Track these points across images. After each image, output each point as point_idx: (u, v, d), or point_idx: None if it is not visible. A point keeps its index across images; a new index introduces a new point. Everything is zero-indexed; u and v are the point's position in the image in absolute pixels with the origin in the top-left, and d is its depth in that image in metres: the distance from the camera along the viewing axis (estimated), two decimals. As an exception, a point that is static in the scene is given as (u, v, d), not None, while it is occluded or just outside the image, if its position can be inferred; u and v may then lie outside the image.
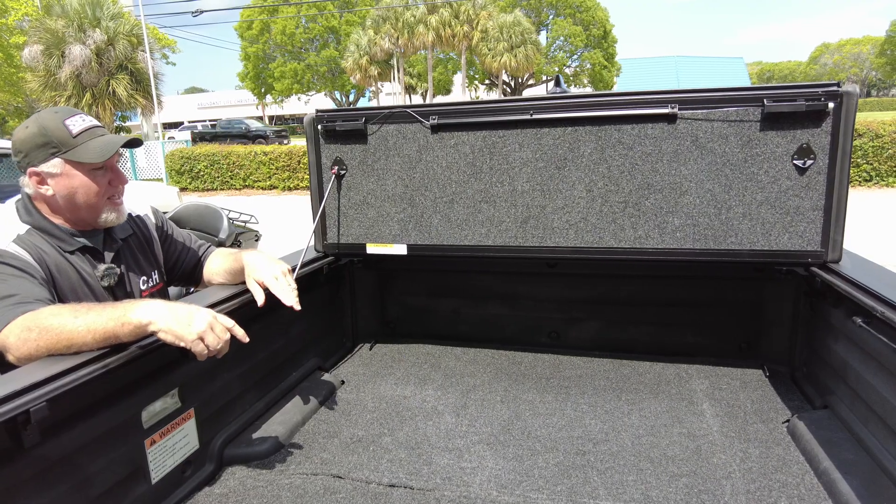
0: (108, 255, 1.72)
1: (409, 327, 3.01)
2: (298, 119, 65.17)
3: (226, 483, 1.80)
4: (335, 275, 2.73)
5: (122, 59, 19.56)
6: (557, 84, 2.84)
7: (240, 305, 1.87)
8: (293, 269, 2.15)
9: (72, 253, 1.64)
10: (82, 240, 1.67)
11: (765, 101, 1.95)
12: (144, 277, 1.83)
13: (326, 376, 2.49)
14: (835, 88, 1.91)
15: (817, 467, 1.74)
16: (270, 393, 2.22)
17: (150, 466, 1.61)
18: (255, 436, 1.99)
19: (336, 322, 2.83)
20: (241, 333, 1.55)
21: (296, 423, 2.11)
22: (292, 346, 2.39)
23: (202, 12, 27.82)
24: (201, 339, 1.43)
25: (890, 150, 12.48)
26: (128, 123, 26.14)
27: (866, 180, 12.78)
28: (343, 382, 2.51)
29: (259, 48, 45.19)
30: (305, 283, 2.34)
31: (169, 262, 1.98)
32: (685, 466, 1.81)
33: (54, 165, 1.57)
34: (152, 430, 1.62)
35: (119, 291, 1.73)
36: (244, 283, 1.90)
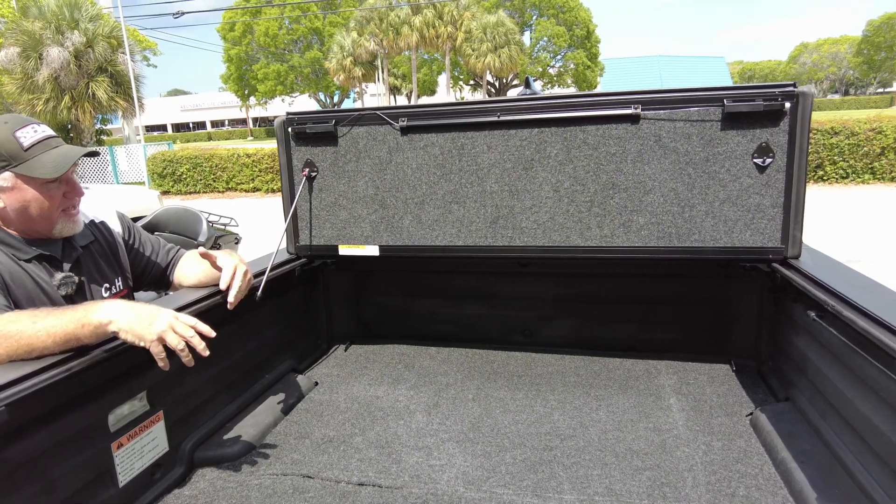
0: (67, 265, 1.68)
1: (384, 328, 3.03)
2: (283, 121, 64.56)
3: (196, 485, 1.81)
4: (309, 277, 2.74)
5: (102, 61, 19.33)
6: (527, 86, 2.87)
7: (213, 307, 1.88)
8: (263, 273, 2.16)
9: (28, 261, 1.60)
10: (37, 249, 1.62)
11: (725, 101, 2.00)
12: (107, 285, 1.79)
13: (300, 378, 2.50)
14: (791, 89, 1.97)
15: (776, 458, 1.78)
16: (243, 395, 2.23)
17: (117, 470, 1.61)
18: (226, 437, 2.00)
19: (311, 324, 2.84)
20: (206, 329, 1.54)
21: (267, 425, 2.12)
22: (266, 348, 2.40)
23: (183, 13, 27.59)
24: (162, 340, 1.44)
25: (865, 148, 12.71)
26: (109, 126, 25.84)
27: (843, 177, 13.00)
28: (316, 384, 2.52)
29: (242, 50, 44.90)
30: (278, 285, 2.35)
31: (137, 268, 1.96)
32: (649, 460, 1.84)
33: (5, 179, 1.52)
34: (120, 433, 1.62)
35: (78, 300, 1.67)
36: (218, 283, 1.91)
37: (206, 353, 1.52)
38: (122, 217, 1.96)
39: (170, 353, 1.49)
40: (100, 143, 22.58)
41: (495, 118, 2.20)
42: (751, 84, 2.06)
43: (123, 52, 19.68)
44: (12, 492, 1.32)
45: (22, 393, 1.25)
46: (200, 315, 1.81)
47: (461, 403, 2.28)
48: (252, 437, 2.02)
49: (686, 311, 2.62)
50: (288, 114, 2.45)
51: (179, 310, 1.74)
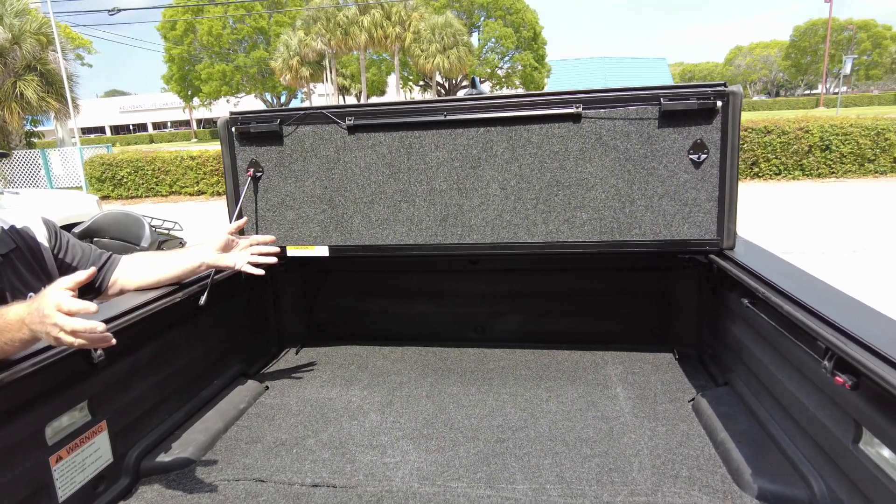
0: None
1: (336, 329, 3.01)
2: (228, 122, 62.86)
3: (143, 496, 1.75)
4: (256, 279, 2.69)
5: (31, 59, 18.33)
6: (473, 86, 2.91)
7: (155, 312, 1.82)
8: (207, 277, 2.11)
9: None
10: None
11: (661, 99, 2.09)
12: (31, 293, 1.63)
13: (250, 382, 2.46)
14: (722, 88, 2.07)
15: (715, 439, 1.88)
16: (191, 401, 2.17)
17: (56, 484, 1.54)
18: (174, 445, 1.94)
19: (259, 328, 2.79)
20: (90, 307, 1.29)
21: (217, 431, 2.08)
22: (213, 353, 2.35)
23: (119, 10, 26.47)
24: (59, 341, 1.29)
25: (794, 146, 13.45)
26: (40, 128, 24.51)
27: (776, 174, 13.71)
28: (267, 388, 2.48)
29: (184, 49, 43.44)
30: (224, 288, 2.30)
31: (65, 274, 1.79)
32: (598, 447, 1.91)
33: None
34: (58, 445, 1.55)
35: (5, 300, 1.56)
36: (180, 280, 1.97)
37: (109, 336, 1.35)
38: (47, 222, 1.85)
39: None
40: (30, 145, 21.38)
41: (442, 117, 2.23)
42: (685, 84, 2.15)
43: (54, 50, 18.72)
44: None
45: None
46: (142, 322, 1.76)
47: (415, 401, 2.29)
48: (201, 444, 1.97)
49: (630, 304, 2.72)
50: (231, 113, 2.40)
51: (119, 317, 1.68)
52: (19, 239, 1.72)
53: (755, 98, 72.52)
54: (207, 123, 68.03)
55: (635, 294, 2.71)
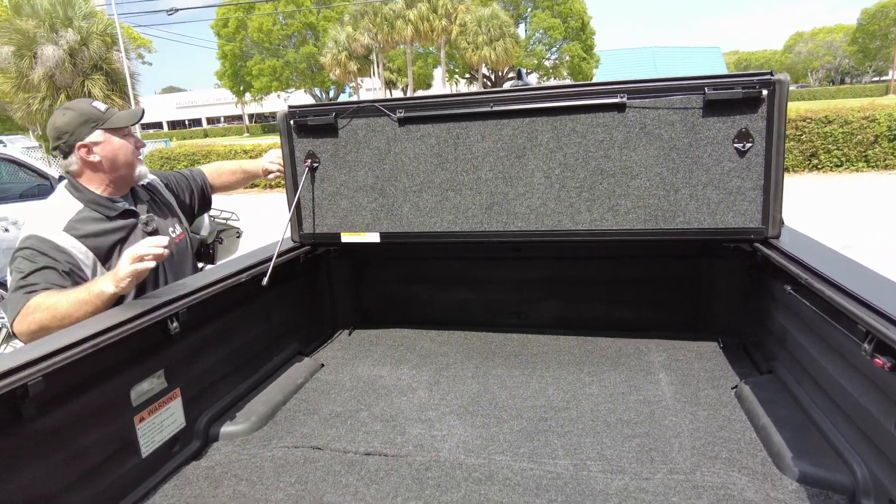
0: (142, 208, 2.17)
1: (383, 314, 3.14)
2: (279, 117, 64.45)
3: (212, 457, 1.92)
4: (312, 265, 2.85)
5: (97, 59, 19.30)
6: (519, 77, 2.97)
7: (222, 290, 2.00)
8: (269, 259, 2.28)
9: (113, 218, 2.06)
10: (121, 204, 2.10)
11: (706, 89, 2.10)
12: (171, 229, 2.26)
13: (306, 360, 2.62)
14: (768, 77, 2.07)
15: (757, 424, 1.90)
16: (253, 375, 2.34)
17: (140, 442, 1.73)
18: (238, 414, 2.11)
19: (315, 310, 2.96)
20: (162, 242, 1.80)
21: (277, 403, 2.24)
22: (273, 331, 2.51)
23: (177, 10, 27.53)
24: (131, 275, 1.74)
25: (858, 136, 12.82)
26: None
27: (837, 166, 13.11)
28: (322, 365, 2.63)
29: (236, 46, 44.78)
30: (284, 272, 2.46)
31: (186, 201, 2.50)
32: (638, 428, 1.96)
33: (97, 136, 2.02)
34: (141, 407, 1.74)
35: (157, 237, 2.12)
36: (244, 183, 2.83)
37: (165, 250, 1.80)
38: (158, 175, 2.42)
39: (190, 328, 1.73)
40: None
41: (488, 108, 2.31)
42: (731, 73, 2.16)
43: (118, 50, 19.67)
44: (46, 458, 1.43)
45: (56, 365, 1.37)
46: (211, 299, 1.95)
47: (460, 381, 2.40)
48: (263, 414, 2.13)
49: (674, 291, 2.74)
50: (290, 107, 2.55)
51: (192, 293, 1.88)
52: (150, 192, 2.30)
53: (816, 87, 69.11)
54: (259, 118, 69.94)
55: (678, 282, 2.73)
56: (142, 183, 2.24)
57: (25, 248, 1.89)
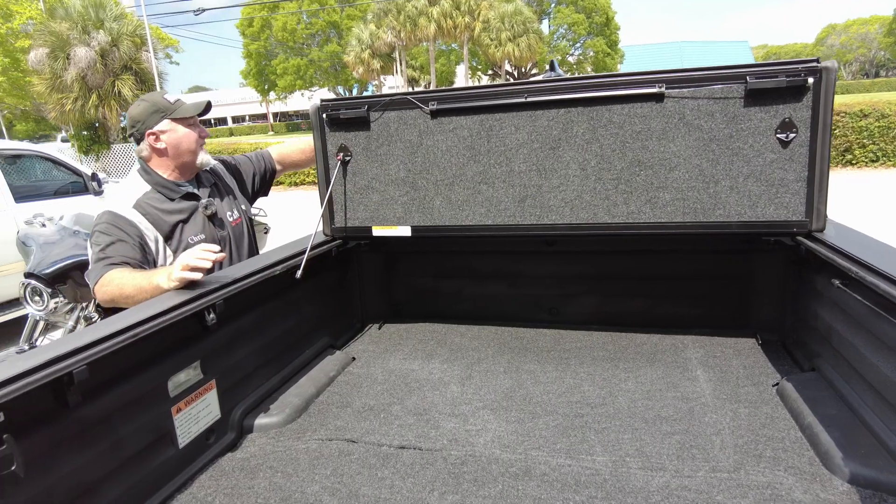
0: (205, 192, 2.36)
1: (414, 308, 3.13)
2: (303, 115, 65.27)
3: (247, 449, 1.93)
4: (344, 258, 2.86)
5: (127, 59, 19.70)
6: (552, 68, 2.93)
7: (256, 283, 2.01)
8: (303, 252, 2.29)
9: (176, 200, 2.27)
10: (185, 187, 2.32)
11: (747, 77, 2.04)
12: (229, 213, 2.44)
13: (338, 353, 2.62)
14: (814, 64, 2.00)
15: (802, 422, 1.84)
16: (285, 368, 2.35)
17: (177, 432, 1.74)
18: (272, 407, 2.12)
19: (346, 303, 2.96)
20: (214, 248, 1.86)
21: (310, 395, 2.24)
22: (305, 325, 2.52)
23: (203, 10, 27.94)
24: (181, 279, 1.82)
25: None
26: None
27: (872, 161, 12.73)
28: (354, 359, 2.63)
29: (261, 45, 45.30)
30: (316, 265, 2.46)
31: (248, 184, 2.67)
32: (678, 425, 1.91)
33: (165, 125, 2.24)
34: (178, 398, 1.75)
35: (215, 220, 2.35)
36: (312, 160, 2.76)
37: (220, 255, 1.87)
38: (221, 160, 2.60)
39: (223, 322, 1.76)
40: (126, 140, 23.04)
41: (522, 99, 2.27)
42: (774, 61, 2.09)
43: (147, 50, 20.04)
44: (89, 445, 1.45)
45: (99, 354, 1.38)
46: (245, 292, 1.96)
47: (493, 376, 2.37)
48: (297, 406, 2.14)
49: (711, 287, 2.67)
50: (322, 100, 2.55)
51: (229, 285, 1.89)
52: (213, 177, 2.48)
53: (850, 80, 67.20)
54: (283, 117, 70.65)
55: (716, 277, 2.66)
56: (205, 169, 2.41)
57: (102, 222, 2.13)
